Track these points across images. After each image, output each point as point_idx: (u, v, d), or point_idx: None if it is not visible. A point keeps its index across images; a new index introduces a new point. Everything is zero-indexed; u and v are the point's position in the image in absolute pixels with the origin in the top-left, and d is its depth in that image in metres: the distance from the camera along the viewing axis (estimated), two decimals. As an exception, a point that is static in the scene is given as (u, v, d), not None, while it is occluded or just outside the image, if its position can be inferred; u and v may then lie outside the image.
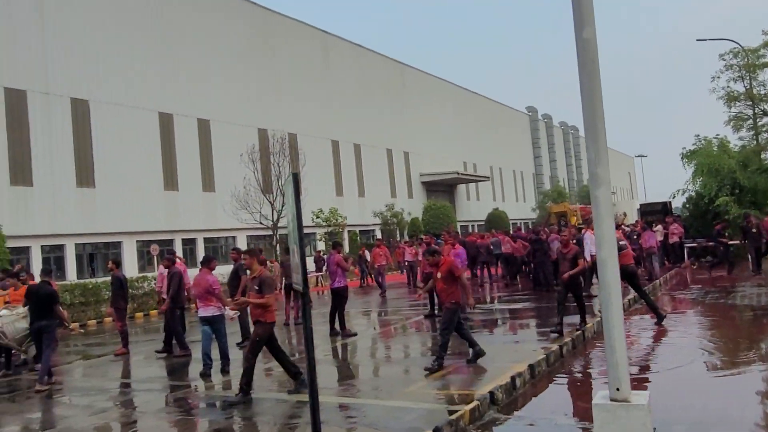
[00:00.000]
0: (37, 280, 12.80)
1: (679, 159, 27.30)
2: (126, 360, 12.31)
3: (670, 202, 32.54)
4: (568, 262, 11.04)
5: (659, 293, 16.36)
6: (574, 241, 17.56)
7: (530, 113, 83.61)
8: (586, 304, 11.52)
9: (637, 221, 27.62)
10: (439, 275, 9.07)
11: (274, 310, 8.19)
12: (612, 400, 4.83)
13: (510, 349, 10.13)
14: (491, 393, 7.11)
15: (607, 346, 4.94)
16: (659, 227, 23.10)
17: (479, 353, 9.05)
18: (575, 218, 40.33)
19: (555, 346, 9.43)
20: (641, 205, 37.74)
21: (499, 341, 11.13)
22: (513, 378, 7.70)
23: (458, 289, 8.98)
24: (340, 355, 11.22)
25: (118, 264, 13.31)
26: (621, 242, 12.62)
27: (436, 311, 14.35)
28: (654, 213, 30.59)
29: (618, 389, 4.82)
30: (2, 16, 25.88)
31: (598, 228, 4.98)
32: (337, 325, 12.88)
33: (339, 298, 12.85)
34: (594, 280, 14.79)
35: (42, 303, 10.27)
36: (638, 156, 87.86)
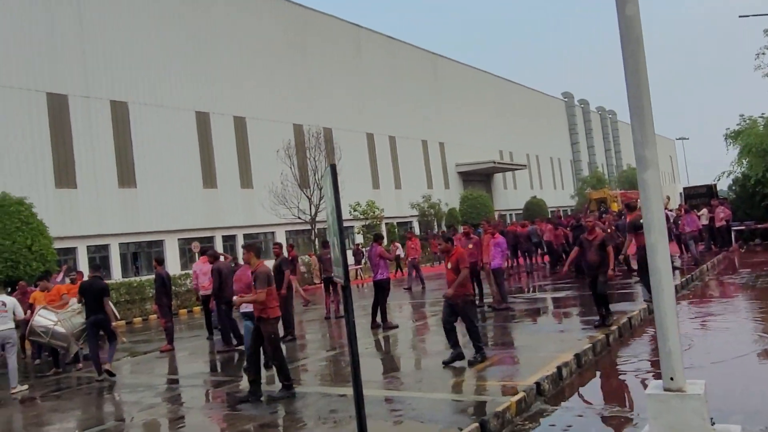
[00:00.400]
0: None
1: (722, 140, 26.51)
2: (171, 356, 12.50)
3: (715, 185, 31.70)
4: (595, 250, 10.32)
5: (707, 278, 15.93)
6: (614, 227, 17.29)
7: (566, 99, 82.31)
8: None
9: (680, 205, 26.98)
10: (449, 265, 8.82)
11: (276, 305, 8.08)
12: (666, 389, 4.67)
13: (555, 338, 9.94)
14: (537, 384, 6.98)
15: (659, 334, 4.78)
16: (704, 211, 22.49)
17: (458, 356, 8.58)
18: (615, 204, 39.63)
19: (601, 335, 9.23)
20: (685, 188, 36.86)
21: (544, 330, 10.96)
22: (559, 368, 7.55)
23: (468, 281, 8.76)
24: (382, 348, 11.18)
25: (160, 262, 13.53)
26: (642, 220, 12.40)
27: (477, 302, 14.24)
28: (698, 196, 29.81)
29: (672, 378, 4.65)
30: (43, 24, 26.48)
31: (647, 212, 4.81)
32: (378, 318, 12.85)
33: (381, 290, 12.81)
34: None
35: (96, 297, 10.63)
36: (679, 139, 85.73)
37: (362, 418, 4.21)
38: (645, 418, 4.85)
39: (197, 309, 21.28)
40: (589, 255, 10.43)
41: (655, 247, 4.80)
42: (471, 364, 8.44)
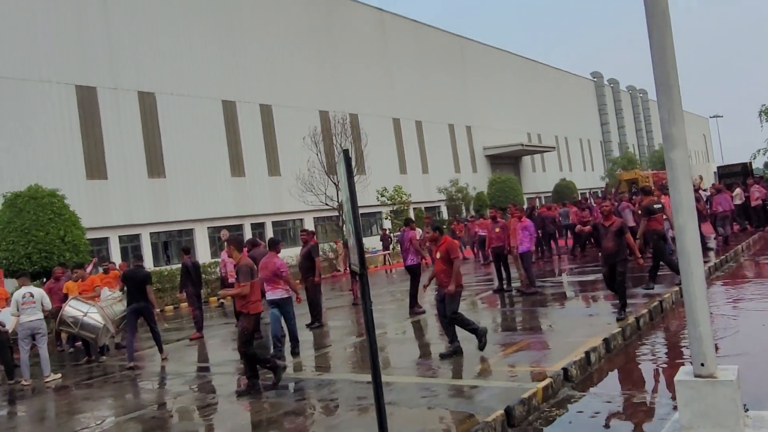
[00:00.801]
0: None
1: (756, 118, 25.77)
2: (201, 344, 12.63)
3: (750, 163, 30.89)
4: (612, 236, 9.50)
5: (742, 259, 15.54)
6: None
7: (595, 79, 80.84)
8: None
9: (712, 185, 26.36)
10: (438, 255, 8.56)
11: (257, 300, 7.96)
12: (696, 376, 4.53)
13: (583, 322, 9.78)
14: (565, 369, 6.88)
15: (689, 318, 4.63)
16: (738, 190, 21.90)
17: (457, 350, 8.45)
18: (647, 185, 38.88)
19: (631, 319, 9.06)
20: (719, 167, 36.01)
21: (572, 315, 10.78)
22: (587, 353, 7.43)
23: (455, 273, 8.40)
24: (412, 333, 11.14)
25: (186, 251, 13.78)
26: (657, 205, 12.34)
27: (504, 286, 14.12)
28: (733, 175, 29.08)
29: (703, 364, 4.51)
30: (71, 16, 26.78)
31: (675, 192, 4.65)
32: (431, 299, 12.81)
33: (413, 275, 12.76)
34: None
35: (140, 285, 11.04)
36: (713, 117, 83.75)
37: (381, 407, 4.16)
38: (675, 405, 4.72)
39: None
40: (605, 242, 9.67)
41: (683, 229, 4.64)
42: (442, 356, 8.37)
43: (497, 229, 13.86)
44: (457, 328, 8.50)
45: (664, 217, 12.45)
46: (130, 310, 11.06)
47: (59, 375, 10.64)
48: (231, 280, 13.70)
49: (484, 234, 21.55)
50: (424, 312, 12.62)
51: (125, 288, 11.36)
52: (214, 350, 11.98)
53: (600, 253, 10.21)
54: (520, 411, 5.83)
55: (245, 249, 13.61)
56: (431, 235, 8.90)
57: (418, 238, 14.18)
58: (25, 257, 19.07)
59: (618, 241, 9.46)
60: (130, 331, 10.98)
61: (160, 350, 11.30)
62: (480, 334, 8.34)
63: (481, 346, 8.29)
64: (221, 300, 20.12)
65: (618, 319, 9.12)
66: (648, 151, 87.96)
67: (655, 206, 12.15)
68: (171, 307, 20.69)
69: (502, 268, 14.04)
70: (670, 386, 4.67)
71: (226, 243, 8.55)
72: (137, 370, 10.48)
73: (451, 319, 8.41)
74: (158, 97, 29.64)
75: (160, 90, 29.73)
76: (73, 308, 11.55)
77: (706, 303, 4.60)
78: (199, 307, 13.49)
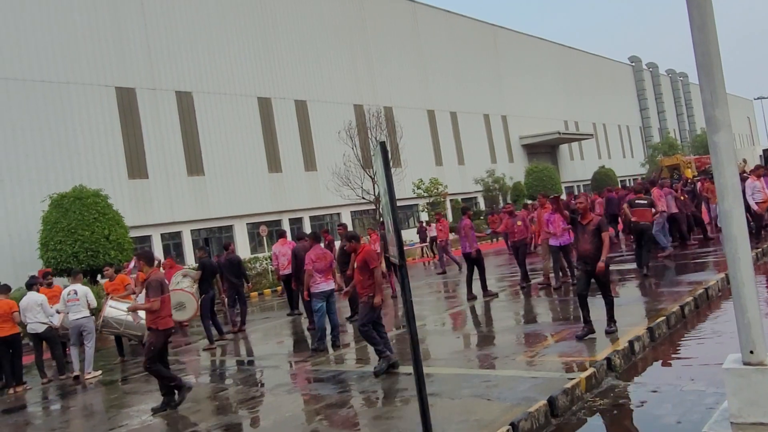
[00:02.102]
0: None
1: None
2: (245, 337, 12.82)
3: (797, 145, 29.90)
4: (588, 237, 8.07)
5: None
6: (686, 195, 16.51)
7: (633, 63, 79.13)
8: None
9: (757, 166, 25.55)
10: (355, 264, 8.06)
11: (167, 315, 7.66)
12: (745, 363, 4.42)
13: (626, 311, 9.60)
14: (608, 359, 6.79)
15: (736, 305, 4.52)
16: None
17: (390, 362, 7.75)
18: (689, 170, 38.02)
19: (676, 307, 8.88)
20: (764, 150, 34.96)
21: (615, 303, 10.59)
22: (631, 342, 7.32)
23: (374, 282, 7.85)
24: (449, 325, 11.12)
25: (226, 247, 14.05)
26: (639, 201, 13.25)
27: (523, 284, 13.69)
28: (780, 158, 28.20)
29: (752, 352, 4.40)
30: (109, 20, 27.34)
31: (719, 176, 4.53)
32: (474, 289, 12.82)
33: (473, 262, 12.73)
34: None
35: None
36: (758, 98, 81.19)
37: (423, 398, 4.17)
38: (723, 393, 4.62)
39: (267, 291, 21.81)
40: (581, 244, 8.21)
41: (729, 214, 4.52)
42: (375, 373, 7.71)
43: (519, 223, 13.62)
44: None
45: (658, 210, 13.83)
46: (207, 298, 12.09)
47: (99, 372, 10.88)
48: (283, 272, 13.91)
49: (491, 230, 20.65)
50: (496, 295, 12.89)
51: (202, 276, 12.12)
52: (256, 343, 12.14)
53: (576, 257, 8.69)
54: (563, 401, 5.78)
55: (284, 241, 13.98)
56: (348, 246, 8.35)
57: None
58: (72, 256, 19.62)
59: (596, 242, 8.04)
60: (205, 316, 12.03)
61: (221, 333, 12.55)
62: (384, 356, 7.76)
63: (377, 371, 7.68)
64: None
65: (607, 332, 7.98)
66: (690, 136, 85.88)
67: (637, 201, 13.34)
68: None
69: (518, 264, 13.73)
70: (717, 375, 4.57)
71: (135, 257, 8.32)
72: (180, 364, 10.67)
73: (360, 331, 7.90)
74: (195, 96, 30.10)
75: (197, 89, 30.18)
76: (114, 308, 11.57)
77: (754, 288, 4.49)
78: (243, 302, 13.75)
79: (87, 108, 26.06)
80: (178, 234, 28.88)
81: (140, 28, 28.44)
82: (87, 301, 10.80)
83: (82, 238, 19.72)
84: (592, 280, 8.15)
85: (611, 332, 7.96)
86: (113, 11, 27.55)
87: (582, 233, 8.19)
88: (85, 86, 26.19)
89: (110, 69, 27.16)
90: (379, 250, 12.88)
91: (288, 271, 13.48)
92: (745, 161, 33.38)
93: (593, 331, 8.06)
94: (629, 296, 11.29)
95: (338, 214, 35.66)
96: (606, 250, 7.98)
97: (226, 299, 13.62)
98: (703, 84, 4.52)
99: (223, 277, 13.48)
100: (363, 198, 29.08)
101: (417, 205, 38.06)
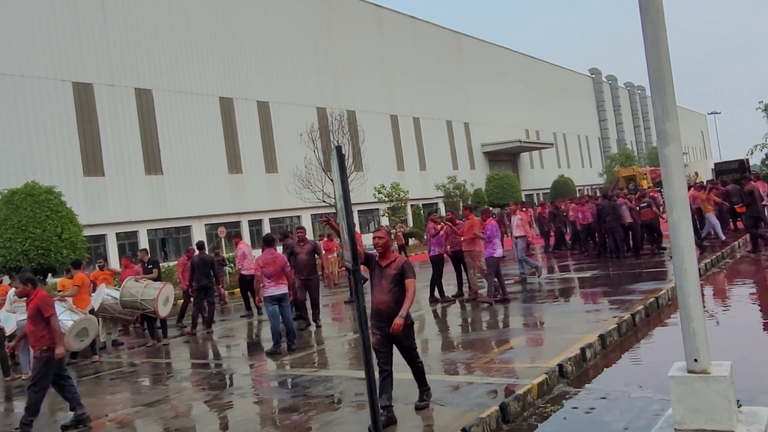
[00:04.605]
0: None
1: (755, 114, 25.76)
2: (203, 339, 12.64)
3: (747, 160, 30.91)
4: (387, 283, 5.86)
5: (738, 255, 15.57)
6: (645, 203, 16.85)
7: (593, 75, 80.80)
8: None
9: (712, 180, 26.32)
10: (29, 313, 7.06)
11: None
12: (690, 371, 4.54)
13: (579, 319, 9.78)
14: (560, 366, 6.89)
15: (682, 314, 4.64)
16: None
17: (80, 419, 7.13)
18: (645, 181, 38.97)
19: (627, 315, 9.07)
20: (716, 164, 36.03)
21: (567, 311, 10.79)
22: (583, 349, 7.44)
23: (51, 332, 6.95)
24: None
25: (200, 246, 14.39)
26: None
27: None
28: (730, 172, 29.11)
29: (696, 360, 4.52)
30: (68, 13, 26.72)
31: (669, 188, 4.65)
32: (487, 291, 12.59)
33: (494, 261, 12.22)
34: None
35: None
36: (711, 113, 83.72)
37: (374, 403, 4.17)
38: (669, 400, 4.73)
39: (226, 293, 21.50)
40: (376, 293, 5.93)
41: (677, 225, 4.64)
42: None
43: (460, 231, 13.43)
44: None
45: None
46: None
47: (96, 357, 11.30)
48: (244, 272, 14.11)
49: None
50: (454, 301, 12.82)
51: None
52: (209, 346, 11.98)
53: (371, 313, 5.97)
54: (514, 407, 5.84)
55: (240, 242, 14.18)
56: (22, 289, 7.14)
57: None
58: (22, 254, 19.07)
59: (398, 292, 5.81)
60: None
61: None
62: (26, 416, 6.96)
63: (63, 426, 7.12)
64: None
65: (418, 408, 6.09)
66: (646, 148, 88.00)
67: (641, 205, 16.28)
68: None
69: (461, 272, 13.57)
70: (665, 382, 4.68)
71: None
72: (132, 367, 10.46)
73: (28, 393, 7.00)
74: (155, 94, 29.61)
75: (158, 87, 29.70)
76: (110, 296, 12.15)
77: (699, 299, 4.61)
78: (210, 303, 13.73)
79: (42, 102, 25.41)
80: (134, 233, 28.33)
81: (100, 22, 27.86)
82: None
83: (33, 236, 19.17)
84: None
85: (422, 407, 6.06)
86: (72, 3, 26.93)
87: (379, 278, 5.93)
88: (41, 80, 25.54)
89: (68, 63, 26.54)
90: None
91: (249, 272, 13.90)
92: (696, 174, 34.33)
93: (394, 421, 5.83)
94: (581, 304, 11.49)
95: (298, 216, 35.48)
96: (408, 302, 5.71)
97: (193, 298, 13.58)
98: (655, 98, 4.64)
99: (194, 276, 13.37)
100: (324, 201, 28.96)
101: (378, 209, 38.10)
